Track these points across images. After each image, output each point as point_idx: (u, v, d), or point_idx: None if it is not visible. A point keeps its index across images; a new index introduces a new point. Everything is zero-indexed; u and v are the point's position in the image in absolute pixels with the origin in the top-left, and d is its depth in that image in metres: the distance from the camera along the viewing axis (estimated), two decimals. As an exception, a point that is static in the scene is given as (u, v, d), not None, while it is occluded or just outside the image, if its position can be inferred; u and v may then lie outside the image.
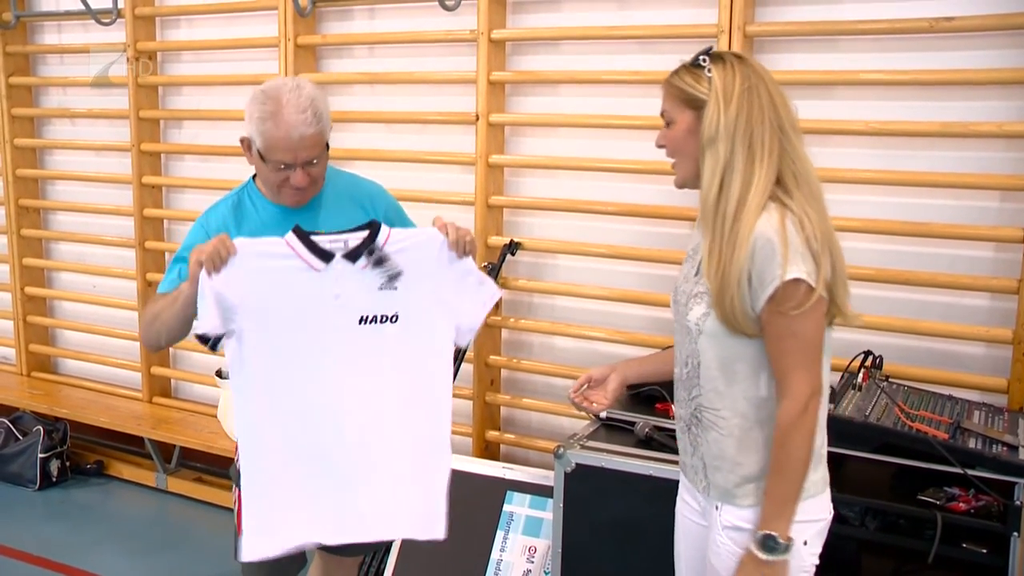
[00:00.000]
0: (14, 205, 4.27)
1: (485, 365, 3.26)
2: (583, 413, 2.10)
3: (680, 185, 1.77)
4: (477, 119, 3.10)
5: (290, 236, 1.91)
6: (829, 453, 1.75)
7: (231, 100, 3.75)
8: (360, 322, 1.94)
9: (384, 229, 1.96)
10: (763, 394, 1.68)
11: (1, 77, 4.17)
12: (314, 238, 1.92)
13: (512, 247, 3.12)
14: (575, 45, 3.06)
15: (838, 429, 2.03)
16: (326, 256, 1.91)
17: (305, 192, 2.06)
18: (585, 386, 1.97)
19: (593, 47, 3.03)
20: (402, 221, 2.21)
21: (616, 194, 3.02)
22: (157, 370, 4.06)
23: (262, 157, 2.02)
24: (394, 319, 1.95)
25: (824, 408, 1.70)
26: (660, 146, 1.77)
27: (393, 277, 1.95)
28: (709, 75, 1.67)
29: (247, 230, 2.05)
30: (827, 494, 1.72)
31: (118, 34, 3.87)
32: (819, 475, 1.70)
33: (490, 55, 3.07)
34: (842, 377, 2.37)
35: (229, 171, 3.76)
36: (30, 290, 4.36)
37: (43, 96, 4.28)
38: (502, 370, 3.32)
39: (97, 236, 4.16)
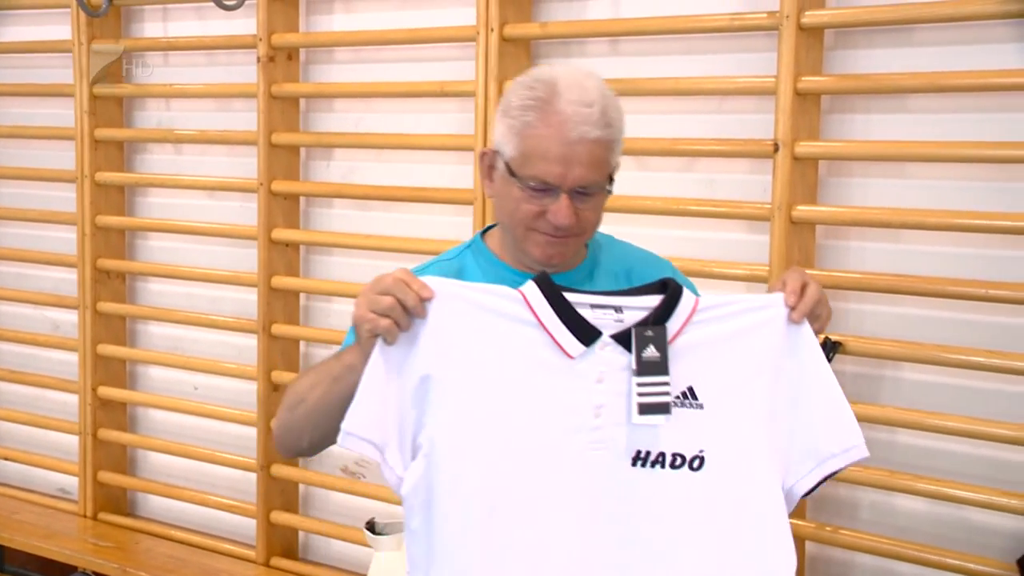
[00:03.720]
0: (90, 268, 4.75)
1: (780, 534, 3.31)
2: None
3: None
4: (776, 149, 3.22)
5: (530, 288, 1.91)
6: None
7: (404, 121, 4.06)
8: (636, 462, 1.88)
9: (688, 295, 1.91)
10: None
11: (84, 85, 4.69)
12: (569, 297, 1.90)
13: (828, 349, 3.16)
14: (937, 32, 3.13)
15: None
16: (587, 333, 1.88)
17: (565, 244, 2.12)
18: None
19: (977, 32, 3.08)
20: None
21: (989, 267, 3.05)
22: (280, 517, 4.36)
23: (511, 171, 2.09)
24: (697, 463, 1.89)
25: None
26: None
27: (699, 384, 1.89)
28: None
29: None
30: None
31: (246, 23, 4.28)
32: None
33: (799, 50, 3.19)
34: None
35: (398, 225, 4.05)
36: (105, 391, 4.80)
37: (138, 112, 4.79)
38: (807, 543, 3.36)
39: (204, 315, 4.56)
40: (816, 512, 3.35)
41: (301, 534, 4.44)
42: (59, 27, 4.80)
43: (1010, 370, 2.98)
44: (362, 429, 1.86)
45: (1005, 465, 3.07)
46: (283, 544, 4.40)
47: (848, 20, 3.21)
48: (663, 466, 1.89)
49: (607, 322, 1.88)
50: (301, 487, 4.41)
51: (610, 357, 1.89)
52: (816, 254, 3.32)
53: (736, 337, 1.92)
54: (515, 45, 3.71)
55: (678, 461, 1.88)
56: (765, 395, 1.91)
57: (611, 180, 2.16)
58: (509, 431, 1.88)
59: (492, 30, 3.68)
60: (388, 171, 4.10)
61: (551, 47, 3.75)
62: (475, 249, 2.27)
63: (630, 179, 3.57)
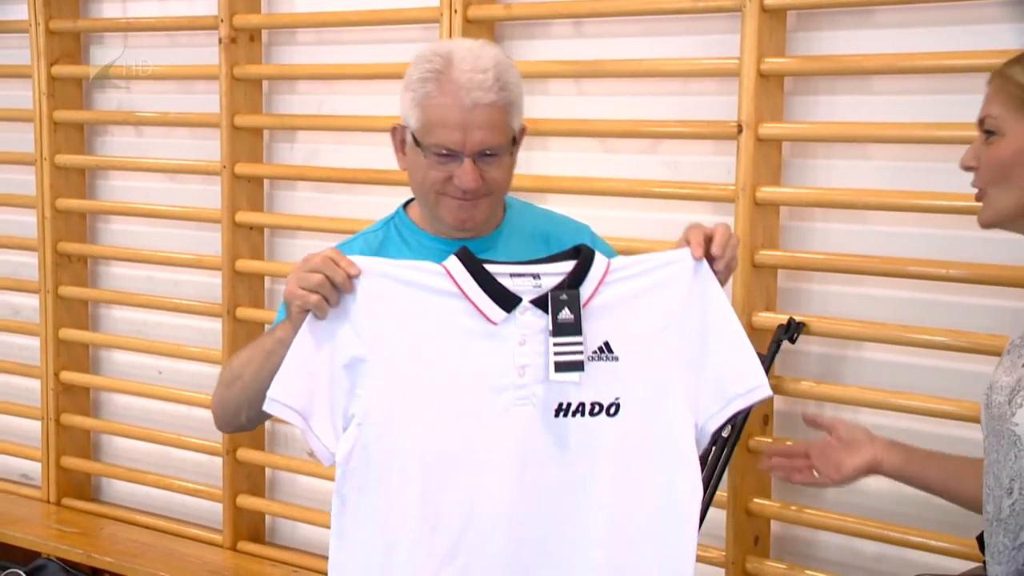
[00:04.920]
0: (51, 251, 4.76)
1: (745, 514, 3.38)
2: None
3: (990, 223, 2.02)
4: (740, 130, 3.27)
5: (452, 262, 2.08)
6: None
7: (367, 103, 4.10)
8: (558, 413, 2.07)
9: (600, 259, 2.09)
10: None
11: (42, 65, 4.69)
12: (489, 268, 2.07)
13: (791, 330, 3.24)
14: (899, 13, 3.19)
15: None
16: (507, 300, 2.06)
17: (476, 207, 2.28)
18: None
19: (937, 14, 3.13)
20: None
21: (951, 248, 3.11)
22: (246, 501, 4.41)
23: (417, 142, 2.25)
24: (613, 410, 2.09)
25: None
26: (968, 167, 2.02)
27: (614, 339, 2.08)
28: None
29: None
30: None
31: (207, 3, 4.31)
32: None
33: (762, 32, 3.24)
34: None
35: (361, 208, 4.08)
36: (67, 376, 4.83)
37: (98, 94, 4.80)
38: (772, 523, 3.44)
39: (167, 298, 4.59)
40: (781, 491, 3.41)
41: (268, 518, 4.48)
42: (15, 6, 4.80)
43: (972, 349, 3.03)
44: (287, 397, 2.02)
45: (967, 444, 3.12)
46: (250, 528, 4.44)
47: (811, 2, 3.26)
48: (583, 415, 2.07)
49: (526, 289, 2.06)
50: (268, 471, 4.45)
51: (530, 321, 2.05)
52: (780, 235, 3.38)
53: (647, 292, 2.10)
54: (479, 27, 3.75)
55: (596, 409, 2.08)
56: (676, 343, 2.10)
57: (515, 142, 2.32)
58: (440, 394, 2.05)
59: (456, 12, 3.72)
60: (352, 153, 4.13)
61: (515, 28, 3.80)
62: (398, 220, 2.42)
63: (594, 161, 3.65)
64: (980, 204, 2.07)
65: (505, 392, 2.06)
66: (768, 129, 3.28)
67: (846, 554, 3.34)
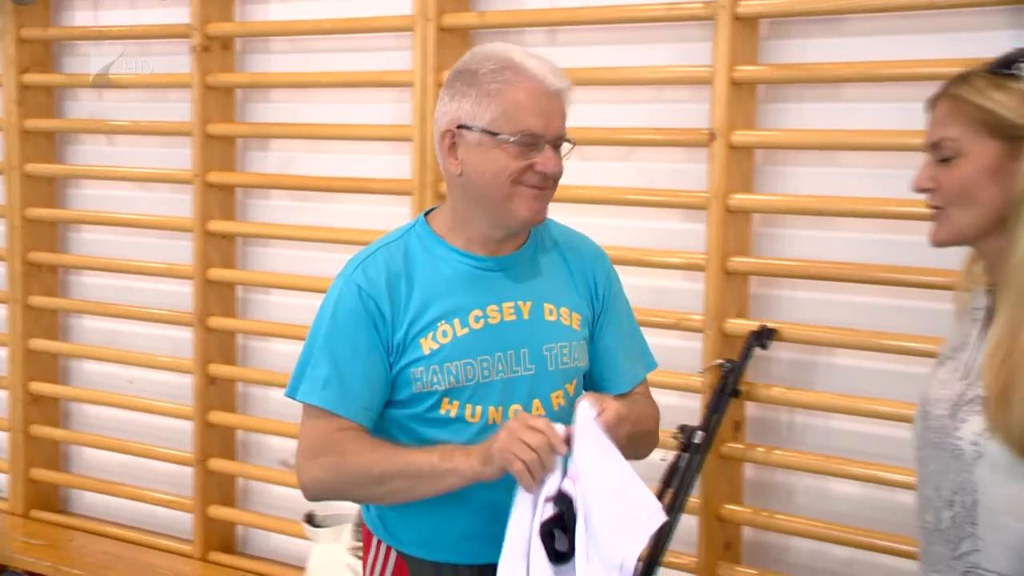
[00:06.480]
0: (20, 261, 4.78)
1: (717, 520, 3.41)
2: None
3: (943, 242, 2.04)
4: (712, 138, 3.32)
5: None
6: None
7: (341, 111, 4.13)
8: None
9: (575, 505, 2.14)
10: None
11: (12, 74, 4.72)
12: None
13: (763, 336, 3.28)
14: (868, 21, 3.24)
15: None
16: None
17: (547, 197, 2.31)
18: None
19: (905, 23, 3.18)
20: (629, 320, 2.52)
21: (920, 254, 3.10)
22: (217, 511, 4.41)
23: (493, 134, 2.23)
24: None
25: None
26: (924, 189, 2.04)
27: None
28: None
29: (420, 288, 2.29)
30: None
31: (179, 12, 4.34)
32: None
33: (735, 39, 3.29)
34: None
35: (336, 216, 4.11)
36: (36, 387, 4.84)
37: (69, 102, 4.82)
38: (743, 528, 3.47)
39: (138, 307, 4.60)
40: (753, 497, 3.45)
41: (239, 528, 4.50)
42: (-15, 16, 4.82)
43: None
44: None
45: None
46: (221, 538, 4.46)
47: (783, 10, 3.31)
48: None
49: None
50: (239, 481, 4.47)
51: None
52: (752, 242, 3.42)
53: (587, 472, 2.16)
54: (453, 35, 3.79)
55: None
56: (592, 489, 2.14)
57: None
58: None
59: (429, 20, 3.76)
60: (325, 162, 4.16)
61: (489, 36, 3.82)
62: (420, 231, 2.38)
63: (568, 168, 3.61)
64: (926, 220, 2.10)
65: None
66: (740, 136, 3.32)
67: (817, 559, 3.37)
